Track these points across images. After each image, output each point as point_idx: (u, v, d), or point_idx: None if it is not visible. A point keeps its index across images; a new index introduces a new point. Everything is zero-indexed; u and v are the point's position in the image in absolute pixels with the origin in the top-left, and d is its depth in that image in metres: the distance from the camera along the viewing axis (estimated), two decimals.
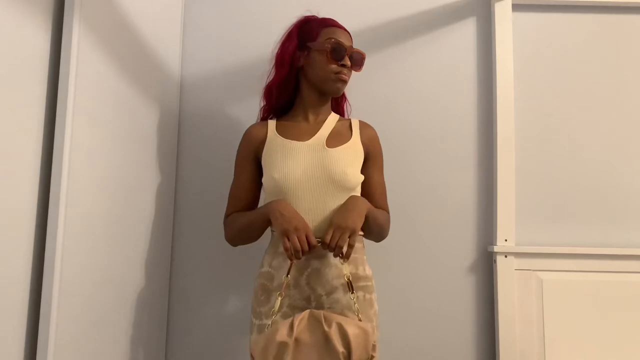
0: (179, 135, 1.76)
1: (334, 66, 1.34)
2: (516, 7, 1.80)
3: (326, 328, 1.15)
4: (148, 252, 1.52)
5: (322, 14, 1.49)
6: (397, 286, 1.70)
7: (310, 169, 1.31)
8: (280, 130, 1.40)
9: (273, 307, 1.25)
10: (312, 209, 1.29)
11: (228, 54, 1.79)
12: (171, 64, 1.69)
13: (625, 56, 1.82)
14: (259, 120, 1.51)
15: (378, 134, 1.47)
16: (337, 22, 1.41)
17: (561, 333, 1.65)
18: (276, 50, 1.44)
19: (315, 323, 1.18)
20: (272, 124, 1.42)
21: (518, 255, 1.68)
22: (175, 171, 1.74)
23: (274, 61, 1.45)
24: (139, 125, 1.43)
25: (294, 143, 1.35)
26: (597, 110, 1.80)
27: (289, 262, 1.26)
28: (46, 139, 1.03)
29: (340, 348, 1.12)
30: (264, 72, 1.52)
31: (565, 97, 1.80)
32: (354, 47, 1.40)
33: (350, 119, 1.47)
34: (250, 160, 1.40)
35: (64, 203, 1.02)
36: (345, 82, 1.37)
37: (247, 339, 1.53)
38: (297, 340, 1.14)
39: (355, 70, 1.41)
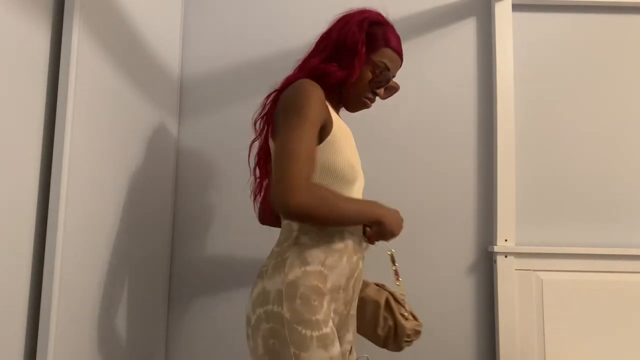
0: (178, 134, 1.76)
1: (369, 91, 1.22)
2: (516, 7, 1.80)
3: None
4: (148, 252, 1.52)
5: (322, 15, 1.36)
6: None
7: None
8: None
9: (328, 312, 1.08)
10: None
11: (228, 54, 1.79)
12: (171, 64, 1.69)
13: (625, 56, 1.82)
14: (296, 72, 1.21)
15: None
16: (400, 46, 1.23)
17: (561, 333, 1.65)
18: (339, 24, 1.21)
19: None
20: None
21: (518, 255, 1.68)
22: (175, 171, 1.74)
23: (338, 40, 1.19)
24: (138, 125, 1.43)
25: (351, 135, 1.22)
26: (597, 110, 1.80)
27: (344, 261, 1.13)
28: (46, 139, 1.03)
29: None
30: (264, 72, 1.51)
31: (565, 97, 1.80)
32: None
33: None
34: (321, 121, 1.09)
35: (64, 203, 1.03)
36: (366, 108, 1.26)
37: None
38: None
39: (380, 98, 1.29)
